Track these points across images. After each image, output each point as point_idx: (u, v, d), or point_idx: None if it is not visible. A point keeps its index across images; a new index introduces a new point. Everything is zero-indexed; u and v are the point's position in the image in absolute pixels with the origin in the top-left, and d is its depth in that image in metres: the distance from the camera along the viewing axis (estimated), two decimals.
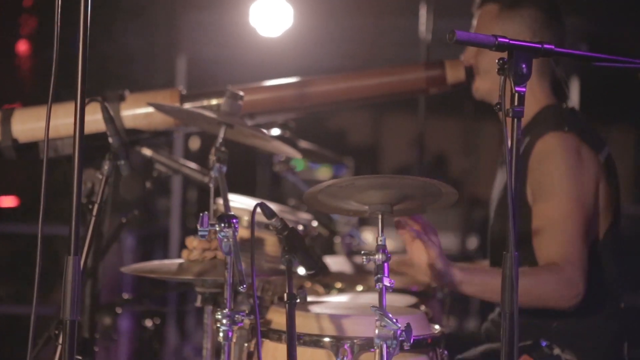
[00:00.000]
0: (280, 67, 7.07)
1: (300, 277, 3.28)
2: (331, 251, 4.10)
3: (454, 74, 3.04)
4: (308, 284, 3.52)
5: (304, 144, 3.77)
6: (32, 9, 6.86)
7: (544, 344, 2.81)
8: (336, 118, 12.15)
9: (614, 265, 2.92)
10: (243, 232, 2.93)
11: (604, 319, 2.91)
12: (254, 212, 2.31)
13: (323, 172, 9.08)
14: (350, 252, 3.90)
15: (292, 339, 2.17)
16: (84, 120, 2.03)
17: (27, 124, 3.00)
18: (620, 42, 6.76)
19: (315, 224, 3.25)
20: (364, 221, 8.82)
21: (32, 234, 4.32)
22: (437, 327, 2.55)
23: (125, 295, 3.62)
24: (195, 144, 8.54)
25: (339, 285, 3.51)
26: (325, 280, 3.50)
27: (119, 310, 3.61)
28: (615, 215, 2.93)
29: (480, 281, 2.62)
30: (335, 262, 3.74)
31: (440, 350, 2.47)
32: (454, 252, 7.71)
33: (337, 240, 3.95)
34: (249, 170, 7.85)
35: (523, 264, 2.69)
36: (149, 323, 4.08)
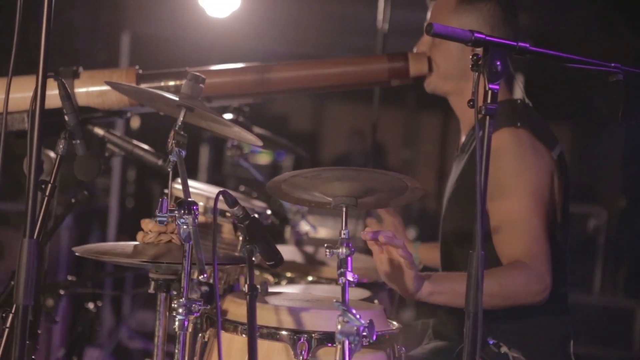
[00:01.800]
0: (227, 49, 6.97)
1: (268, 268, 3.23)
2: (282, 240, 4.05)
3: (416, 66, 3.01)
4: (257, 273, 3.47)
5: (257, 129, 3.70)
6: None
7: (491, 342, 2.80)
8: (278, 104, 12.08)
9: (563, 263, 2.92)
10: (201, 218, 2.88)
11: (551, 316, 2.90)
12: (216, 200, 2.24)
13: (263, 158, 9.02)
14: (300, 241, 3.85)
15: (253, 331, 2.11)
16: (45, 98, 1.94)
17: None
18: (565, 39, 6.82)
19: (269, 212, 3.19)
20: (312, 210, 8.80)
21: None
22: (395, 323, 2.52)
23: (70, 277, 3.51)
24: (135, 123, 8.40)
25: (289, 274, 3.46)
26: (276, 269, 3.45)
27: (62, 292, 3.51)
28: (565, 214, 2.93)
29: (449, 289, 2.55)
30: (286, 251, 3.69)
31: (398, 347, 2.44)
32: None
33: (288, 228, 3.90)
34: (192, 153, 7.72)
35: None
36: (90, 305, 3.98)
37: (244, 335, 2.35)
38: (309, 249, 3.77)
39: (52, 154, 2.86)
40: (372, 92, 5.25)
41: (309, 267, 3.57)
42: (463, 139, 3.08)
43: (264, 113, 11.53)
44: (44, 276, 3.09)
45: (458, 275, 2.54)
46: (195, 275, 2.49)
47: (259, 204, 3.22)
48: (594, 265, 7.52)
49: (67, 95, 2.34)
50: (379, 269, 2.49)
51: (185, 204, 2.22)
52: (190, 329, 2.38)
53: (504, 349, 2.81)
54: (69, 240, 6.00)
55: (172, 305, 2.29)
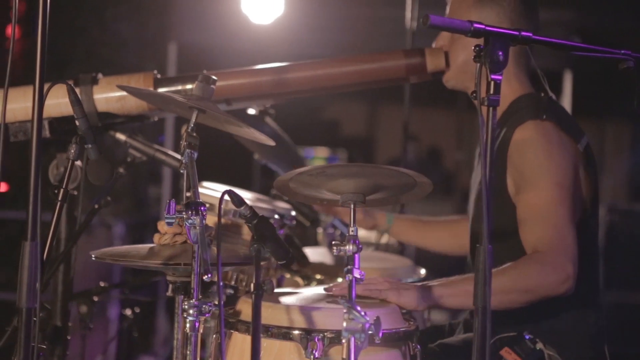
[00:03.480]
0: (271, 55, 7.00)
1: (281, 268, 3.23)
2: (314, 242, 4.04)
3: (433, 61, 2.97)
4: (287, 276, 3.47)
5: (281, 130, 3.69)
6: None
7: (527, 337, 2.76)
8: (330, 109, 12.10)
9: (594, 255, 2.86)
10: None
11: (583, 311, 2.85)
12: (221, 199, 2.25)
13: (315, 163, 9.06)
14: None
15: (257, 330, 2.10)
16: (43, 104, 1.97)
17: None
18: (612, 35, 6.71)
19: (293, 213, 3.18)
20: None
21: (21, 219, 4.25)
22: (411, 321, 2.50)
23: (102, 283, 3.55)
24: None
25: (319, 276, 3.45)
26: (305, 271, 3.44)
27: (95, 298, 3.55)
28: (593, 207, 2.87)
29: (462, 291, 2.52)
30: (316, 253, 3.68)
31: (413, 345, 2.41)
32: None
33: (320, 230, 3.89)
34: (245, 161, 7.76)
35: (506, 259, 2.63)
36: (128, 312, 4.02)
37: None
38: None
39: (77, 162, 2.90)
40: (423, 95, 5.21)
41: (339, 269, 3.55)
42: None
43: (318, 118, 11.58)
44: (70, 282, 3.12)
45: (470, 276, 2.50)
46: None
47: (282, 205, 3.22)
48: None
49: (76, 100, 2.37)
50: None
51: (193, 205, 2.23)
52: (201, 330, 2.38)
53: (539, 345, 2.76)
54: None
55: (183, 306, 2.30)
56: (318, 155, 10.06)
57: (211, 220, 2.58)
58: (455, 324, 3.17)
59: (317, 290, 2.73)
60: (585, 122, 8.20)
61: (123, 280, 3.88)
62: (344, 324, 2.12)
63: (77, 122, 2.38)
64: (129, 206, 7.27)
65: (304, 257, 3.36)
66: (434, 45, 3.07)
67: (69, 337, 3.16)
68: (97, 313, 3.86)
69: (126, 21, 7.25)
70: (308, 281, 3.44)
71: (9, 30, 6.69)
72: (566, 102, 7.14)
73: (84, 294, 3.50)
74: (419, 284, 2.60)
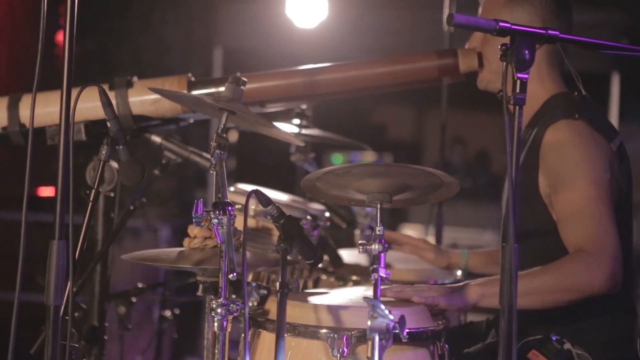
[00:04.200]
0: (315, 59, 7.02)
1: (310, 268, 3.24)
2: (351, 243, 4.04)
3: (466, 62, 2.96)
4: (323, 277, 3.48)
5: (318, 131, 3.70)
6: None
7: (554, 338, 2.73)
8: (377, 112, 12.08)
9: (627, 259, 2.82)
10: (251, 222, 2.91)
11: (615, 311, 2.81)
12: (247, 199, 2.26)
13: (337, 161, 9.03)
14: None
15: (282, 329, 2.12)
16: (70, 105, 2.00)
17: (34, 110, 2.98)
18: None
19: (327, 214, 3.19)
20: (404, 217, 8.75)
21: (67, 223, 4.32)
22: (440, 320, 2.49)
23: (140, 284, 3.59)
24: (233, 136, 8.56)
25: (354, 277, 3.45)
26: (340, 272, 3.45)
27: (133, 299, 3.59)
28: (627, 207, 2.83)
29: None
30: (353, 255, 3.68)
31: (441, 344, 2.40)
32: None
33: (357, 232, 3.89)
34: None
35: (540, 258, 2.61)
36: (168, 313, 4.06)
37: (286, 335, 2.35)
38: None
39: (114, 164, 2.94)
40: (469, 98, 5.17)
41: None
42: None
43: (364, 121, 11.57)
44: (107, 282, 3.16)
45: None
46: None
47: (316, 206, 3.23)
48: None
49: (107, 102, 2.40)
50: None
51: (221, 205, 2.25)
52: (229, 329, 2.39)
53: (567, 346, 2.73)
54: None
55: (211, 305, 2.32)
56: (364, 160, 10.05)
57: (241, 221, 2.60)
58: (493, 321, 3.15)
59: (352, 291, 2.74)
60: (632, 124, 8.08)
61: (162, 282, 3.91)
62: (369, 323, 2.12)
63: (108, 124, 2.42)
64: (175, 210, 7.34)
65: (338, 258, 3.36)
66: (466, 46, 3.06)
67: (106, 337, 3.20)
68: (136, 314, 3.91)
69: (172, 26, 7.34)
70: (344, 282, 3.44)
71: (59, 36, 6.82)
72: (614, 105, 7.04)
73: (121, 295, 3.55)
74: (460, 284, 2.59)
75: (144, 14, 7.18)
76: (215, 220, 2.24)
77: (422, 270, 3.47)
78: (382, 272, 2.20)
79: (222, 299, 2.30)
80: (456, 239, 7.14)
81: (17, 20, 8.26)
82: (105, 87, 2.96)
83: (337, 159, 9.10)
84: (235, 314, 2.32)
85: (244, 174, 8.00)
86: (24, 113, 2.99)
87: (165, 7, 7.24)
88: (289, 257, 2.29)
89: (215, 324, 2.32)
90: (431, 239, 4.08)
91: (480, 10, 3.03)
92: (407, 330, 2.16)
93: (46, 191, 6.23)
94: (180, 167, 6.68)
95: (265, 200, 2.31)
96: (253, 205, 2.91)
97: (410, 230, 7.50)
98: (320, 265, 3.23)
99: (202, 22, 7.51)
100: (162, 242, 6.70)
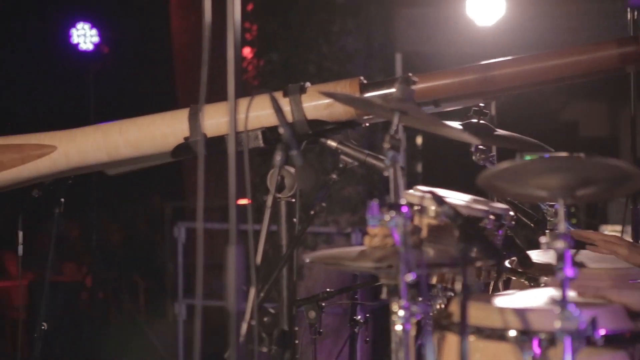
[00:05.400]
0: (494, 57, 6.89)
1: (507, 270, 3.14)
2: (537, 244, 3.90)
3: None
4: (513, 278, 3.37)
5: (501, 131, 3.58)
6: (252, 14, 7.11)
7: None
8: (569, 110, 11.69)
9: None
10: (430, 221, 2.86)
11: None
12: (421, 199, 2.22)
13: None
14: None
15: (464, 331, 2.06)
16: (235, 114, 2.02)
17: (214, 119, 3.06)
18: None
19: (512, 214, 3.08)
20: (603, 219, 8.37)
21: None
22: None
23: (328, 289, 3.60)
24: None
25: (546, 278, 3.32)
26: (530, 273, 3.32)
27: (322, 303, 3.60)
28: None
29: None
30: (544, 255, 3.54)
31: None
32: None
33: (547, 232, 3.73)
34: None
35: None
36: (359, 316, 4.04)
37: (473, 338, 2.29)
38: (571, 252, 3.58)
39: (291, 170, 2.97)
40: None
41: None
42: None
43: (555, 120, 11.22)
44: (294, 287, 3.18)
45: None
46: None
47: (500, 206, 3.13)
48: None
49: (278, 109, 2.42)
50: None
51: (395, 206, 2.22)
52: (413, 332, 2.35)
53: None
54: None
55: (393, 308, 2.28)
56: (530, 154, 9.71)
57: (424, 222, 2.56)
58: None
59: (539, 292, 2.64)
60: None
61: (350, 285, 3.91)
62: (558, 324, 2.02)
63: (280, 130, 2.44)
64: (366, 215, 7.38)
65: (527, 258, 3.23)
66: None
67: (297, 342, 3.22)
68: (328, 318, 3.92)
69: (352, 35, 7.38)
70: (535, 283, 3.32)
71: (245, 50, 7.03)
72: None
73: (310, 299, 3.57)
74: None
75: (325, 25, 7.27)
76: (390, 221, 2.20)
77: (617, 269, 3.28)
78: (569, 272, 2.09)
79: (404, 301, 2.26)
80: None
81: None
82: (280, 94, 2.99)
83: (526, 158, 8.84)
84: (418, 317, 2.27)
85: (430, 177, 7.94)
86: (205, 122, 3.05)
87: (345, 16, 7.30)
88: (472, 257, 2.23)
89: (399, 327, 2.27)
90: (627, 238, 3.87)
91: None
92: (601, 332, 2.04)
93: (241, 201, 6.44)
94: (368, 172, 6.72)
95: (439, 201, 2.26)
96: (434, 207, 2.86)
97: (610, 232, 7.20)
98: (508, 266, 3.13)
99: (382, 29, 7.52)
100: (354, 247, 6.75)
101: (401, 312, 2.26)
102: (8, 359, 7.18)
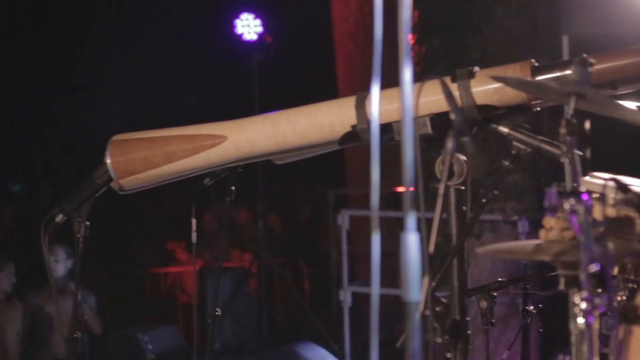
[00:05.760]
0: None
1: None
2: None
3: None
4: None
5: None
6: (414, 1, 7.05)
7: None
8: None
9: None
10: (610, 211, 2.73)
11: None
12: (602, 187, 2.12)
13: None
14: None
15: None
16: (409, 103, 1.97)
17: (382, 106, 3.02)
18: None
19: None
20: None
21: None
22: None
23: (500, 279, 3.52)
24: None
25: None
26: None
27: (494, 293, 3.53)
28: None
29: None
30: None
31: None
32: None
33: None
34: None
35: None
36: (531, 307, 3.94)
37: None
38: None
39: (462, 157, 2.91)
40: None
41: None
42: None
43: None
44: (465, 276, 3.12)
45: None
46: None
47: None
48: None
49: (449, 94, 2.37)
50: None
51: (575, 193, 2.13)
52: (596, 325, 2.25)
53: None
54: None
55: (573, 300, 2.20)
56: None
57: (600, 211, 2.45)
58: None
59: None
60: None
61: (522, 275, 3.81)
62: None
63: (451, 116, 2.38)
64: (532, 202, 7.20)
65: None
66: None
67: (469, 332, 3.16)
68: (501, 308, 3.82)
69: (517, 18, 7.21)
70: None
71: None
72: None
73: (482, 289, 3.51)
74: None
75: (488, 8, 7.13)
76: (570, 210, 2.12)
77: None
78: None
79: (585, 293, 2.17)
80: None
81: (367, 25, 8.59)
82: (448, 79, 2.93)
83: None
84: (601, 309, 2.18)
85: (599, 163, 7.67)
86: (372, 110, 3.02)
87: (510, 0, 7.14)
88: None
89: (581, 319, 2.19)
90: None
91: None
92: None
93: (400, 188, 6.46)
94: (535, 159, 6.55)
95: (622, 188, 2.15)
96: (612, 194, 2.73)
97: None
98: None
99: (547, 11, 7.31)
100: (521, 234, 6.62)
101: (583, 304, 2.17)
102: (182, 342, 7.43)
